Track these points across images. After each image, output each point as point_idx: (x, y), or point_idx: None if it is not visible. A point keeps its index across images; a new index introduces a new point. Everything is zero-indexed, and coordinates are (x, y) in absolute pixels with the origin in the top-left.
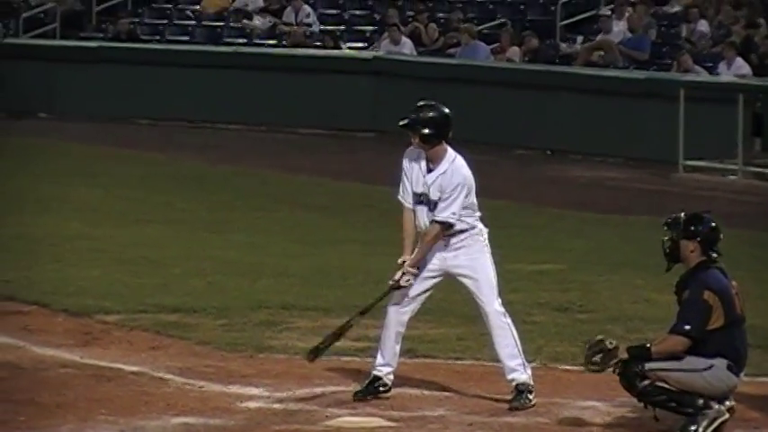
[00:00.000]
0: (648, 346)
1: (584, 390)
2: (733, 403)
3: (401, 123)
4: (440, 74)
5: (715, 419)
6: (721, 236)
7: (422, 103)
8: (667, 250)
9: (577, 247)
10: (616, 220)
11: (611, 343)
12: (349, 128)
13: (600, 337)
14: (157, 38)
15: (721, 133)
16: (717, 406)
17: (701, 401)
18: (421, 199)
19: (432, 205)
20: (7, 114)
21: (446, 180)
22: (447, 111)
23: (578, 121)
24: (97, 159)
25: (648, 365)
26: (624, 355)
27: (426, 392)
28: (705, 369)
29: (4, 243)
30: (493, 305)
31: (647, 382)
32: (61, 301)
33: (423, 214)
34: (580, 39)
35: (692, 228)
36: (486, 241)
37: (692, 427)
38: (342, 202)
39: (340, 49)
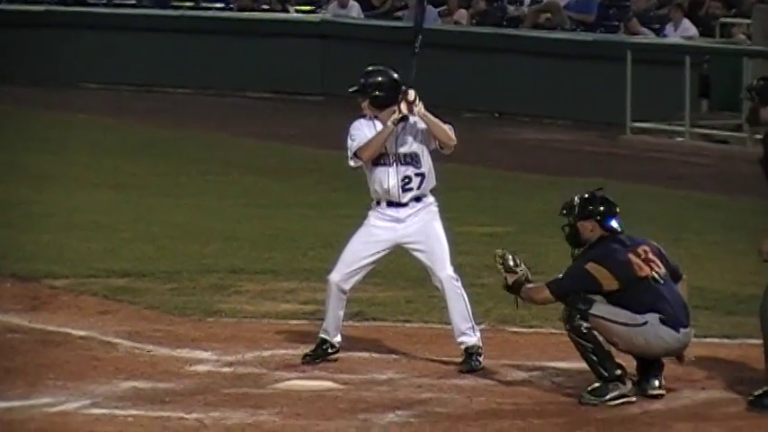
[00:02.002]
0: (525, 285)
1: (532, 351)
2: (661, 391)
3: (351, 90)
4: (387, 37)
5: (623, 396)
6: (617, 209)
7: (370, 68)
8: (568, 236)
9: (526, 210)
10: (565, 182)
11: (516, 264)
12: (297, 91)
13: (514, 259)
14: (105, 2)
15: (669, 95)
16: (630, 385)
17: (618, 372)
18: (382, 161)
19: (407, 159)
20: None
21: (412, 127)
22: (396, 75)
23: (526, 84)
24: (46, 124)
25: (594, 311)
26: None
27: (375, 355)
28: (641, 325)
29: None
30: (446, 271)
31: (585, 324)
32: (9, 266)
33: (387, 175)
34: (527, 1)
35: (587, 208)
36: (437, 209)
37: (601, 393)
38: (291, 165)
39: (288, 12)
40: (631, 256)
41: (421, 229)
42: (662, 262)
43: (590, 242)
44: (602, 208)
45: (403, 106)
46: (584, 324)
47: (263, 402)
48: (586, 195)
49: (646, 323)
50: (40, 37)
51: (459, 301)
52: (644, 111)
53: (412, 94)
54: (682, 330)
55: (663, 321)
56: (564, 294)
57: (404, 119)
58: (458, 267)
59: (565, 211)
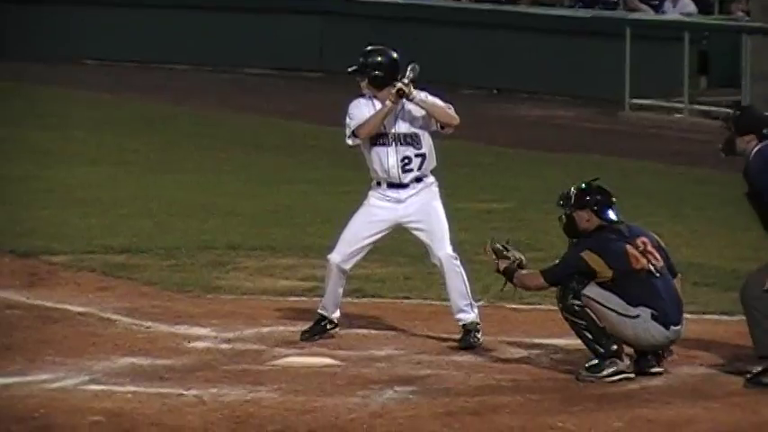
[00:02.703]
0: (518, 272)
1: (530, 328)
2: (662, 369)
3: (350, 69)
4: (387, 13)
5: (621, 372)
6: (614, 199)
7: (369, 47)
8: (565, 226)
9: (526, 186)
10: (564, 158)
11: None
12: (297, 68)
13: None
14: None
15: (667, 71)
16: (627, 361)
17: (615, 348)
18: (381, 141)
19: (407, 139)
20: None
21: (413, 108)
22: (395, 54)
23: (525, 60)
24: (46, 100)
25: (587, 292)
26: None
27: (374, 332)
28: (633, 317)
29: None
30: (445, 250)
31: (578, 302)
32: (8, 242)
33: (386, 156)
34: None
35: (583, 198)
36: (437, 189)
37: (597, 370)
38: (291, 141)
39: None
40: (628, 248)
41: (421, 208)
42: (660, 255)
43: (587, 232)
44: (598, 197)
45: (400, 84)
46: (577, 302)
47: (261, 379)
48: (582, 185)
49: (638, 316)
50: (39, 13)
51: (458, 279)
52: (643, 87)
53: (412, 72)
54: (672, 328)
55: (654, 317)
56: (558, 281)
57: (402, 95)
58: (457, 244)
59: (561, 202)
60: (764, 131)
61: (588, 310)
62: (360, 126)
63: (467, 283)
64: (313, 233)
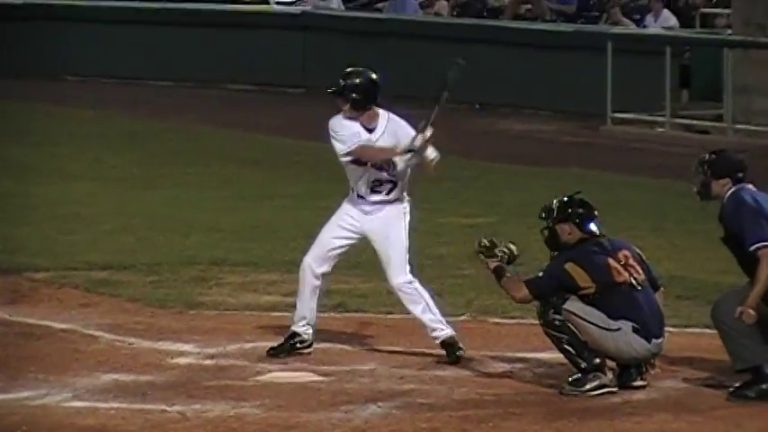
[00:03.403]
0: (505, 277)
1: (514, 342)
2: (645, 383)
3: (329, 91)
4: (368, 28)
5: (604, 386)
6: (596, 212)
7: (349, 69)
8: (547, 239)
9: (508, 200)
10: (546, 172)
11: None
12: (278, 83)
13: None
14: None
15: (649, 85)
16: (610, 375)
17: (597, 361)
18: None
19: (382, 164)
20: None
21: (396, 125)
22: (374, 75)
23: (507, 75)
24: (28, 117)
25: (568, 306)
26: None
27: (357, 347)
28: (613, 330)
29: None
30: (400, 278)
31: (558, 317)
32: None
33: (358, 174)
34: None
35: (565, 211)
36: (407, 210)
37: (580, 384)
38: (272, 157)
39: (268, 4)
40: (610, 261)
41: (382, 227)
42: (642, 268)
43: (568, 245)
44: (580, 210)
45: (418, 139)
46: (558, 317)
47: (245, 394)
48: (564, 198)
49: (619, 329)
50: (20, 29)
51: (418, 302)
52: (625, 101)
53: (429, 132)
54: (654, 341)
55: (636, 330)
56: (541, 293)
57: (413, 151)
58: (439, 258)
59: (543, 215)
60: (738, 175)
61: (569, 325)
62: (363, 150)
63: (429, 302)
64: (295, 248)
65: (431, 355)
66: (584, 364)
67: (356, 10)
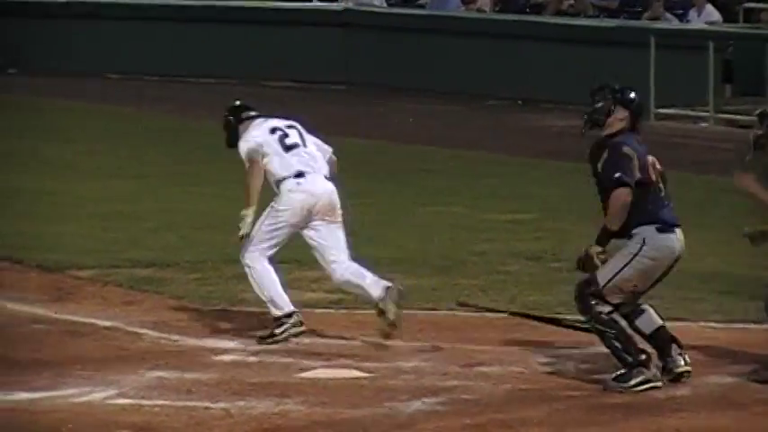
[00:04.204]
0: (603, 226)
1: (557, 338)
2: (687, 368)
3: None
4: (410, 25)
5: (648, 381)
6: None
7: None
8: (598, 113)
9: (550, 196)
10: (588, 168)
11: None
12: (320, 80)
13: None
14: None
15: (692, 80)
16: (655, 371)
17: (643, 357)
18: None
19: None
20: None
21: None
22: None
23: (549, 71)
24: (69, 115)
25: (601, 279)
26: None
27: (401, 343)
28: (642, 246)
29: None
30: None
31: (606, 309)
32: (34, 256)
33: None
34: None
35: (629, 97)
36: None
37: (625, 379)
38: None
39: (310, 1)
40: (650, 159)
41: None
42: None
43: (609, 129)
44: (639, 103)
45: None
46: (605, 309)
47: (288, 391)
48: (624, 86)
49: (644, 241)
50: (61, 27)
51: (253, 284)
52: (667, 96)
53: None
54: (676, 230)
55: (660, 230)
56: (631, 177)
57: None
58: (481, 254)
59: (600, 91)
60: None
61: (616, 318)
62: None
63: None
64: None
65: (475, 350)
66: (629, 360)
67: (398, 6)
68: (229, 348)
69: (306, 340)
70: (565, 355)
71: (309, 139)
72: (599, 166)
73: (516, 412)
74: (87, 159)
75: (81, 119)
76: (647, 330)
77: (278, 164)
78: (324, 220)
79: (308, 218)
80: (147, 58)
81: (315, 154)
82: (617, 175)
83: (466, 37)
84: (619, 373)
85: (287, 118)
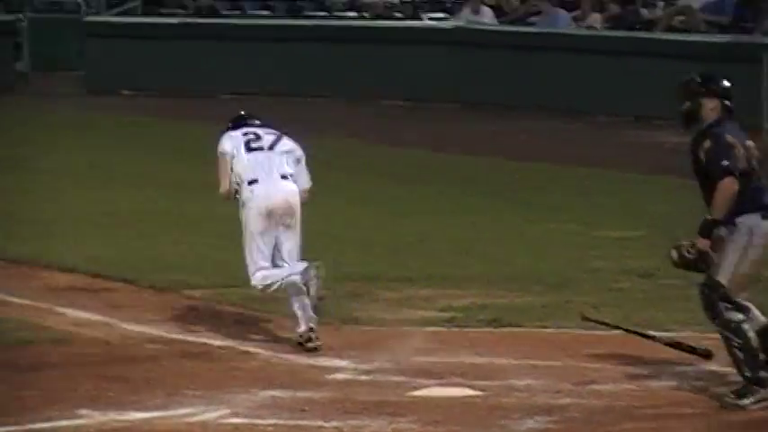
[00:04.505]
0: (706, 218)
1: (671, 355)
2: None
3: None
4: (521, 42)
5: (765, 400)
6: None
7: None
8: (688, 111)
9: (662, 213)
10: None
11: (689, 252)
12: (430, 98)
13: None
14: (237, 12)
15: None
16: None
17: (763, 375)
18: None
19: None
20: (90, 91)
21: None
22: None
23: (661, 87)
24: (182, 135)
25: (723, 279)
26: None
27: (513, 361)
28: (751, 236)
29: (93, 219)
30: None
31: (737, 316)
32: (148, 276)
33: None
34: (661, 4)
35: (713, 86)
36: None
37: (742, 397)
38: (425, 172)
39: (420, 19)
40: (749, 143)
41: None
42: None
43: (706, 120)
44: (725, 88)
45: None
46: (735, 318)
47: (401, 410)
48: (709, 73)
49: (751, 235)
50: (174, 49)
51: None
52: None
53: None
54: None
55: (764, 217)
56: (736, 167)
57: None
58: (593, 272)
59: (688, 90)
60: None
61: (746, 327)
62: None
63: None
64: (450, 264)
65: (588, 368)
66: (748, 373)
67: (508, 24)
68: (341, 367)
69: (418, 358)
70: (679, 373)
71: (282, 146)
72: (701, 154)
73: (630, 430)
74: (200, 179)
75: (195, 139)
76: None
77: (237, 170)
78: (284, 225)
79: (271, 224)
80: (259, 77)
81: (273, 158)
82: (724, 163)
83: (576, 54)
84: (736, 389)
85: (273, 128)
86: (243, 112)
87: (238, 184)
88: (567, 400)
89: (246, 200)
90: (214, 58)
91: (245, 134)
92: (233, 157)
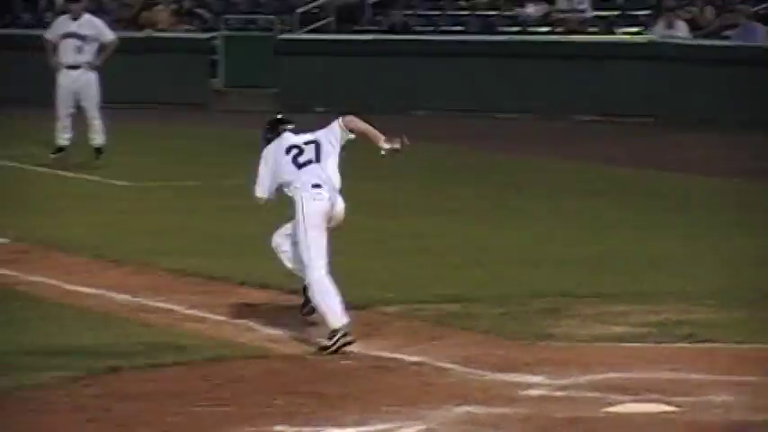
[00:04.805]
0: None
1: None
2: None
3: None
4: (716, 56)
5: None
6: None
7: None
8: None
9: None
10: None
11: None
12: (626, 113)
13: None
14: (431, 29)
15: None
16: None
17: None
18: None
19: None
20: (283, 108)
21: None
22: None
23: None
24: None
25: None
26: None
27: (710, 377)
28: None
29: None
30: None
31: None
32: (343, 292)
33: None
34: None
35: None
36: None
37: None
38: (617, 187)
39: (614, 34)
40: None
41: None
42: None
43: None
44: None
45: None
46: None
47: (596, 426)
48: None
49: None
50: (368, 65)
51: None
52: None
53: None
54: None
55: None
56: None
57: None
58: None
59: None
60: None
61: None
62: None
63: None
64: (644, 280)
65: None
66: None
67: (703, 38)
68: (535, 383)
69: (613, 374)
70: None
71: (326, 156)
72: None
73: None
74: (393, 196)
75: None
76: None
77: (292, 178)
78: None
79: (325, 221)
80: (452, 93)
81: (327, 171)
82: None
83: None
84: None
85: (311, 132)
86: (279, 116)
87: (295, 188)
88: (766, 417)
89: (307, 199)
90: (407, 75)
91: (288, 151)
92: (280, 166)
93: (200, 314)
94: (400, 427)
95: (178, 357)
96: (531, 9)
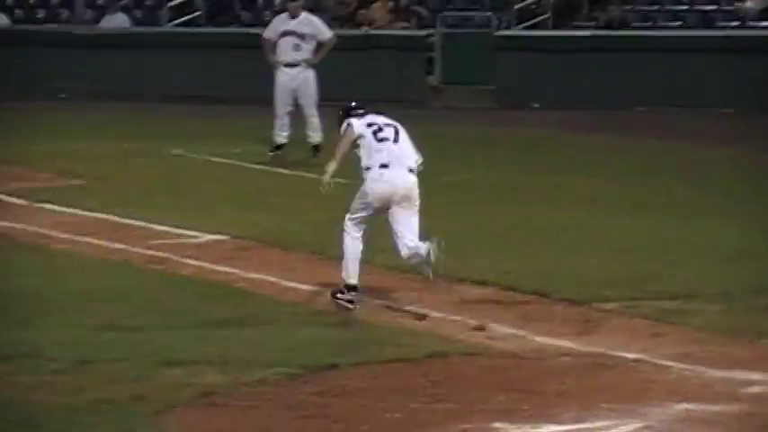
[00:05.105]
0: None
1: None
2: None
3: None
4: None
5: None
6: None
7: None
8: None
9: None
10: None
11: None
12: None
13: None
14: (649, 24)
15: None
16: None
17: None
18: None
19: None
20: (500, 105)
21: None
22: None
23: None
24: (594, 149)
25: None
26: None
27: None
28: None
29: (504, 233)
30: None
31: None
32: (560, 290)
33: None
34: None
35: None
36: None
37: None
38: None
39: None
40: None
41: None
42: None
43: None
44: None
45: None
46: None
47: None
48: None
49: None
50: (587, 62)
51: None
52: None
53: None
54: None
55: None
56: None
57: None
58: None
59: None
60: None
61: None
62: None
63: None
64: None
65: None
66: None
67: None
68: (756, 380)
69: None
70: None
71: (404, 138)
72: None
73: None
74: (611, 193)
75: (607, 153)
76: None
77: (367, 153)
78: (400, 206)
79: (387, 203)
80: (671, 89)
81: (403, 149)
82: None
83: None
84: None
85: (389, 118)
86: (354, 103)
87: (368, 166)
88: None
89: (374, 179)
90: (626, 71)
91: (370, 125)
92: (362, 138)
93: (419, 311)
94: (619, 425)
95: (396, 354)
96: (750, 3)
